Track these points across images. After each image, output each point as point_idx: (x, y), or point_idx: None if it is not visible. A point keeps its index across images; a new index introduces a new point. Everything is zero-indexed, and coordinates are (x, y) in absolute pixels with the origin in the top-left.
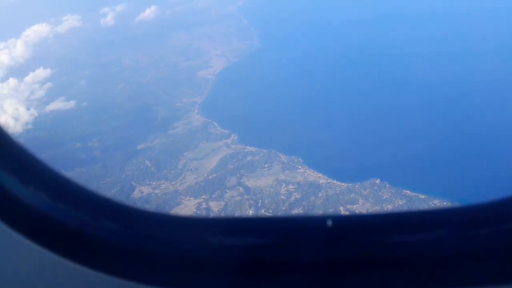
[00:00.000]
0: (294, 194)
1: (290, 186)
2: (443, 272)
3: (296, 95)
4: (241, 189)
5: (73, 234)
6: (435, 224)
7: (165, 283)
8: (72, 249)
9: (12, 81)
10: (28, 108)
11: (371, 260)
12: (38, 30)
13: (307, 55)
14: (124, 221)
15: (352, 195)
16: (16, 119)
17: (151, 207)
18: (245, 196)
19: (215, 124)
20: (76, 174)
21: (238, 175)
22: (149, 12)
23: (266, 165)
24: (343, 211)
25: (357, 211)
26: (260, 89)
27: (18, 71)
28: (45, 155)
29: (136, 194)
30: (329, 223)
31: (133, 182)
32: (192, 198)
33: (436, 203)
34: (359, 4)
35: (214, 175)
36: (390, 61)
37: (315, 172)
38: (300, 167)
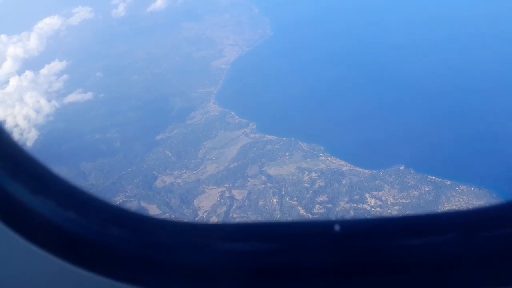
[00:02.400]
0: (318, 181)
1: (313, 174)
2: (452, 276)
3: (312, 83)
4: (263, 177)
5: (80, 240)
6: (445, 227)
7: None
8: (79, 255)
9: (28, 73)
10: (49, 100)
11: (380, 265)
12: (50, 23)
13: (322, 42)
14: (132, 228)
15: (377, 182)
16: (37, 112)
17: (174, 196)
18: (268, 184)
19: (233, 113)
20: (98, 165)
21: (259, 164)
22: (160, 2)
23: (286, 154)
24: (369, 198)
25: (383, 198)
26: (276, 77)
27: (33, 63)
28: (65, 147)
29: (158, 183)
30: (337, 228)
31: (154, 172)
32: (215, 187)
33: (463, 188)
34: None
35: (235, 164)
36: (413, 47)
37: (337, 159)
38: (321, 154)
